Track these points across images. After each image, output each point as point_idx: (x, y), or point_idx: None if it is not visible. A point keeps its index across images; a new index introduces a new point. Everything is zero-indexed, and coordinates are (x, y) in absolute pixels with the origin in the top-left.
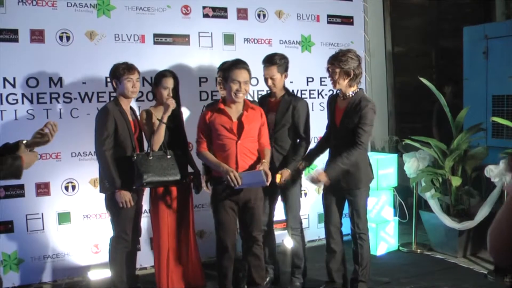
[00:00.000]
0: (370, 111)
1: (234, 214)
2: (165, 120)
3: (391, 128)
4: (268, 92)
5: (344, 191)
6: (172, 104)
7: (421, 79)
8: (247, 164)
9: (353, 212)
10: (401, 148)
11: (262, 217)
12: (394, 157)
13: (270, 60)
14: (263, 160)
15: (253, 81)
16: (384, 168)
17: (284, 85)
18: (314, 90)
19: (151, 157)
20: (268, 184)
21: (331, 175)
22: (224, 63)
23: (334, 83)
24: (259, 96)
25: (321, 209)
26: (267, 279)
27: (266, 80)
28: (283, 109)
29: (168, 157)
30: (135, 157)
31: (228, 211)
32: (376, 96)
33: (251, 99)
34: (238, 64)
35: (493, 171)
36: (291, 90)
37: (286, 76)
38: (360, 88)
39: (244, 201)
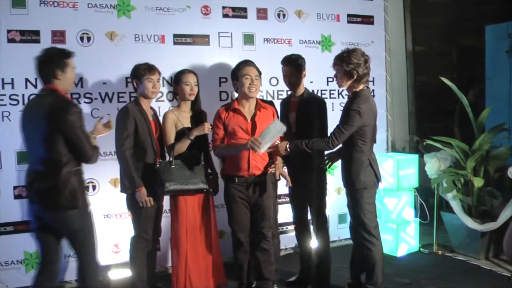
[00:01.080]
0: (352, 112)
1: (247, 210)
2: (192, 137)
3: (411, 128)
4: (289, 94)
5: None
6: (207, 130)
7: (442, 78)
8: (259, 164)
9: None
10: (421, 149)
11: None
12: (415, 157)
13: (288, 60)
14: (276, 162)
15: (273, 81)
16: (404, 169)
17: (303, 85)
18: (334, 90)
19: (173, 166)
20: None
21: (291, 148)
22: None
23: (338, 83)
24: (279, 96)
25: (341, 209)
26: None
27: (285, 79)
28: (302, 108)
29: (191, 166)
30: (157, 165)
31: (240, 206)
32: (396, 96)
33: (269, 99)
34: (247, 62)
35: None
36: (311, 90)
37: (304, 75)
38: (366, 87)
39: (255, 198)
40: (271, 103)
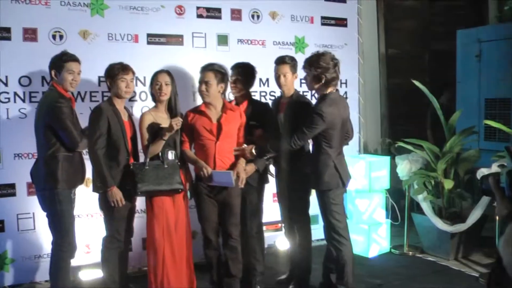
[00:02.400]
0: (315, 115)
1: (215, 208)
2: (166, 138)
3: (384, 130)
4: (281, 93)
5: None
6: (177, 125)
7: (414, 81)
8: (225, 164)
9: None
10: (394, 151)
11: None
12: (386, 159)
13: (282, 60)
14: (239, 162)
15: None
16: (376, 171)
17: (293, 86)
18: (307, 92)
19: (147, 167)
20: (235, 185)
21: (256, 152)
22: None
23: (307, 86)
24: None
25: (312, 211)
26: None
27: (278, 78)
28: (289, 109)
29: (166, 166)
30: (131, 167)
31: (208, 204)
32: (369, 98)
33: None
34: (207, 66)
35: (485, 174)
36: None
37: (296, 77)
38: (336, 90)
39: (223, 197)
40: (266, 105)
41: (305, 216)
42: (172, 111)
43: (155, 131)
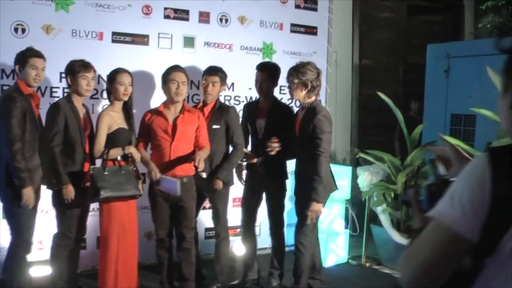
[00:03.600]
0: (323, 118)
1: (168, 209)
2: (127, 151)
3: (353, 140)
4: (257, 98)
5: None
6: (137, 157)
7: (379, 93)
8: (181, 167)
9: None
10: (362, 161)
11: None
12: (348, 169)
13: (264, 66)
14: (198, 152)
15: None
16: (338, 180)
17: (273, 92)
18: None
19: (107, 172)
20: (179, 194)
21: (314, 198)
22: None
23: (292, 93)
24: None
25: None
26: (247, 281)
27: (258, 84)
28: (272, 115)
29: (123, 172)
30: (91, 171)
31: (161, 205)
32: (340, 108)
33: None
34: (175, 67)
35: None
36: (249, 97)
37: (275, 84)
38: (318, 99)
39: (176, 199)
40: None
41: (283, 220)
42: (127, 110)
43: (118, 132)
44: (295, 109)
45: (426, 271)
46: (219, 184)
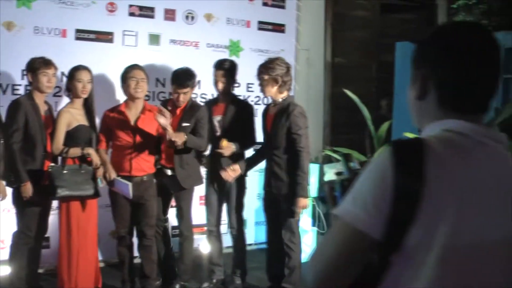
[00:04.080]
0: (299, 114)
1: (128, 207)
2: (86, 152)
3: (326, 138)
4: (215, 96)
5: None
6: (95, 159)
7: (346, 91)
8: (141, 166)
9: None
10: (334, 160)
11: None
12: (315, 167)
13: (221, 65)
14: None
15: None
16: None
17: (231, 90)
18: (240, 95)
19: (65, 171)
20: (131, 197)
21: (301, 193)
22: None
23: (263, 90)
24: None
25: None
26: (214, 281)
27: (216, 83)
28: (230, 112)
29: (82, 171)
30: (50, 169)
31: (122, 203)
32: (312, 106)
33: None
34: (134, 65)
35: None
36: (217, 94)
37: (233, 82)
38: (290, 95)
39: (137, 197)
40: (204, 106)
41: (243, 217)
42: (88, 107)
43: (78, 129)
44: (263, 106)
45: (332, 269)
46: (181, 137)
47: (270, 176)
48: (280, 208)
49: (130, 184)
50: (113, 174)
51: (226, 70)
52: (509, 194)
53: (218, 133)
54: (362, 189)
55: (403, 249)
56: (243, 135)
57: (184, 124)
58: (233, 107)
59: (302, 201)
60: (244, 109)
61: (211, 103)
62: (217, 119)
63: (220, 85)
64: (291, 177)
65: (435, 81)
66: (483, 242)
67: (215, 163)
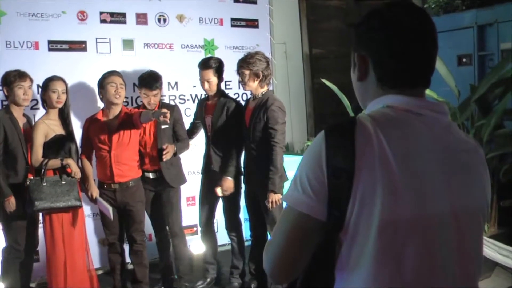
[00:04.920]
0: (277, 109)
1: (116, 214)
2: (65, 163)
3: (310, 129)
4: (206, 95)
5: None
6: (74, 169)
7: (324, 80)
8: (123, 172)
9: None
10: None
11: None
12: (299, 158)
13: (206, 64)
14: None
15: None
16: (291, 170)
17: (220, 88)
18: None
19: (45, 183)
20: (112, 219)
21: (271, 188)
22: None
23: (245, 84)
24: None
25: None
26: (208, 279)
27: (202, 83)
28: (218, 112)
29: (63, 183)
30: (28, 182)
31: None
32: (294, 99)
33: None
34: (112, 72)
35: None
36: (194, 95)
37: (222, 79)
38: (270, 89)
39: (124, 203)
40: (177, 106)
41: (239, 217)
42: (64, 117)
43: (55, 139)
44: (242, 103)
45: (283, 255)
46: (170, 149)
47: (249, 171)
48: (260, 203)
49: (110, 208)
50: (94, 193)
51: (213, 68)
52: (450, 162)
53: (209, 133)
54: (301, 174)
55: (347, 227)
56: (236, 134)
57: (164, 127)
58: (222, 107)
59: (272, 196)
60: (233, 109)
61: (202, 102)
62: (208, 119)
63: (207, 85)
64: (265, 172)
65: (372, 61)
66: (423, 214)
67: (208, 163)
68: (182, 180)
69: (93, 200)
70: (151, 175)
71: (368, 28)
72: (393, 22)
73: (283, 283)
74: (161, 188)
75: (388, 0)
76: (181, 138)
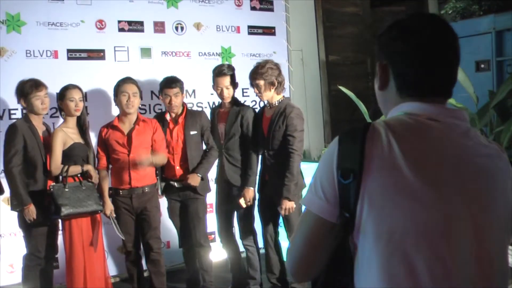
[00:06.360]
0: (296, 116)
1: (132, 220)
2: (85, 169)
3: (327, 136)
4: (219, 102)
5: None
6: (94, 175)
7: (341, 87)
8: (141, 176)
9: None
10: None
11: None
12: (316, 165)
13: (222, 71)
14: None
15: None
16: (308, 176)
17: (234, 95)
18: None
19: (67, 189)
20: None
21: (286, 195)
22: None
23: (261, 95)
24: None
25: None
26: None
27: (220, 90)
28: (232, 119)
29: (83, 188)
30: (51, 189)
31: (126, 217)
32: (310, 106)
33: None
34: (126, 79)
35: None
36: (212, 103)
37: (236, 86)
38: (286, 97)
39: (140, 209)
40: (204, 112)
41: (252, 224)
42: (81, 125)
43: (73, 146)
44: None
45: (302, 257)
46: (196, 180)
47: (264, 180)
48: (276, 210)
49: (121, 234)
50: (108, 211)
51: (230, 75)
52: (467, 167)
53: (222, 142)
54: (316, 177)
55: (358, 229)
56: (252, 142)
57: (192, 133)
58: (234, 115)
59: (286, 203)
60: (246, 116)
61: (215, 110)
62: (221, 127)
63: (226, 92)
64: (282, 178)
65: (392, 70)
66: (435, 218)
67: (222, 173)
68: (208, 188)
69: (106, 216)
70: (176, 184)
71: (389, 38)
72: (413, 33)
73: (304, 281)
74: (187, 197)
75: (410, 12)
76: (210, 146)
